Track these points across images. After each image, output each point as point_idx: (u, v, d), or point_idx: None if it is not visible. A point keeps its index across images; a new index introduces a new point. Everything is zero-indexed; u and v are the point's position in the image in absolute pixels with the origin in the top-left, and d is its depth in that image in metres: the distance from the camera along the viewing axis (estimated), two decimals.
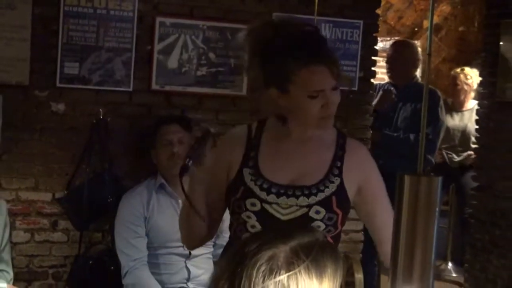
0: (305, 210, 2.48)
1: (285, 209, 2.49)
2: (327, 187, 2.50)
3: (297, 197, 2.49)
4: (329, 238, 2.38)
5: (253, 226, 2.54)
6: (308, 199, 2.48)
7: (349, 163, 2.56)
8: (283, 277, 1.36)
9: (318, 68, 2.42)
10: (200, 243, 2.84)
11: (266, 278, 1.35)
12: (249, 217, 2.53)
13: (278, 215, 2.50)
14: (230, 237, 2.78)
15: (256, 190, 2.51)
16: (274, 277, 1.36)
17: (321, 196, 2.48)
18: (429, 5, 1.54)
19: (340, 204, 2.50)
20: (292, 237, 1.42)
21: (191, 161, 2.45)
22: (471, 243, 5.59)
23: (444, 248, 7.39)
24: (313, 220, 2.47)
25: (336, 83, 2.47)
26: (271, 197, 2.50)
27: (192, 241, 2.79)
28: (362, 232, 5.19)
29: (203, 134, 2.51)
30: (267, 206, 2.50)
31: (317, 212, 2.47)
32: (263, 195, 2.51)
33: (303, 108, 2.45)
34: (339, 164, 2.54)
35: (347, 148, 2.59)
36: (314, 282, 1.38)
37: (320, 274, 1.40)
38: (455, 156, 7.11)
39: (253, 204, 2.51)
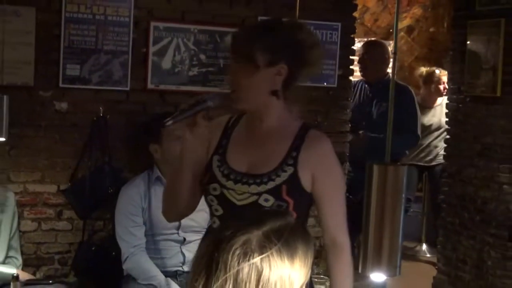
0: (255, 197, 2.43)
1: (239, 195, 2.46)
2: (279, 176, 2.44)
3: (249, 185, 2.45)
4: None
5: (216, 210, 2.54)
6: (258, 187, 2.43)
7: (306, 153, 2.46)
8: (256, 259, 1.36)
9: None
10: (180, 216, 2.82)
11: (240, 261, 1.35)
12: (212, 200, 2.53)
13: (234, 200, 2.47)
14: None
15: (218, 175, 2.50)
16: (248, 260, 1.35)
17: (271, 185, 2.42)
18: (395, 9, 1.56)
19: (291, 192, 2.43)
20: (264, 223, 1.42)
21: (171, 121, 2.41)
22: (443, 226, 5.60)
23: (419, 231, 7.44)
24: (262, 207, 2.42)
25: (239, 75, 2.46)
26: (230, 183, 2.47)
27: (173, 213, 2.74)
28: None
29: (196, 101, 2.45)
30: (225, 191, 2.48)
31: (266, 200, 2.42)
32: (223, 180, 2.48)
33: None
34: (294, 154, 2.46)
35: (306, 139, 2.49)
36: (286, 263, 1.38)
37: (291, 255, 1.39)
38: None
39: (214, 189, 2.50)
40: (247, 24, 2.47)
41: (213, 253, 1.39)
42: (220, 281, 1.35)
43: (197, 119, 2.43)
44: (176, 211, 2.69)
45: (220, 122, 2.63)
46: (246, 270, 1.35)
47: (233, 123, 2.61)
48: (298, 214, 2.40)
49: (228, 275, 1.35)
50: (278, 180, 2.43)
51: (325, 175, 2.46)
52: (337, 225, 2.45)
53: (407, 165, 1.32)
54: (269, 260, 1.37)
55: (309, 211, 2.59)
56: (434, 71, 7.09)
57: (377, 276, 1.36)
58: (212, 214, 2.58)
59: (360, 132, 5.33)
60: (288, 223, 1.44)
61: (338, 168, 2.58)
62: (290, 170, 2.43)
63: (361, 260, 1.43)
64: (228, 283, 1.35)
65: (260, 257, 1.36)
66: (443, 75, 6.94)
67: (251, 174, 2.47)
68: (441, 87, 6.94)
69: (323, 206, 2.47)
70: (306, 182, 2.44)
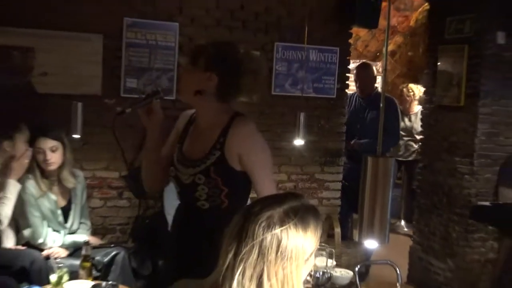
0: (192, 177, 2.40)
1: (184, 176, 2.42)
2: (208, 159, 2.38)
3: (187, 167, 2.41)
4: (222, 197, 2.37)
5: (176, 187, 2.52)
6: (194, 169, 2.39)
7: (231, 137, 2.38)
8: (277, 231, 1.38)
9: None
10: (158, 187, 2.77)
11: (265, 231, 1.37)
12: (172, 179, 2.51)
13: (182, 179, 2.43)
14: None
15: (174, 160, 2.47)
16: (271, 231, 1.38)
17: (202, 167, 2.38)
18: (385, 38, 1.53)
19: (218, 171, 2.37)
20: (284, 202, 1.44)
21: (129, 109, 2.39)
22: (417, 206, 5.59)
23: (398, 211, 7.41)
24: (198, 184, 2.39)
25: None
26: (179, 167, 2.44)
27: (149, 185, 2.67)
28: (340, 199, 5.19)
29: (151, 92, 2.45)
30: (177, 173, 2.45)
31: (200, 179, 2.37)
32: (175, 164, 2.46)
33: None
34: (222, 139, 2.39)
35: (232, 125, 2.41)
36: (300, 234, 1.40)
37: (304, 228, 1.41)
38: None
39: (171, 171, 2.48)
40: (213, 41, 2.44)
41: (243, 225, 1.41)
42: (248, 246, 1.37)
43: (153, 107, 2.41)
44: (151, 183, 2.64)
45: (186, 115, 2.60)
46: (269, 238, 1.38)
47: (194, 117, 2.55)
48: (230, 188, 2.38)
49: (254, 242, 1.37)
50: (208, 163, 2.37)
51: (249, 153, 2.36)
52: (267, 188, 2.34)
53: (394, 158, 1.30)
54: (287, 231, 1.39)
55: (248, 185, 2.46)
56: (403, 89, 7.13)
57: (371, 243, 1.35)
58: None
59: (352, 142, 5.28)
60: (303, 203, 1.45)
61: (261, 145, 2.44)
62: (217, 153, 2.37)
63: (358, 231, 1.41)
64: (254, 248, 1.37)
65: (280, 229, 1.38)
66: (410, 91, 6.99)
67: (189, 159, 2.43)
68: (408, 99, 6.99)
69: (253, 178, 2.37)
70: (233, 161, 2.36)
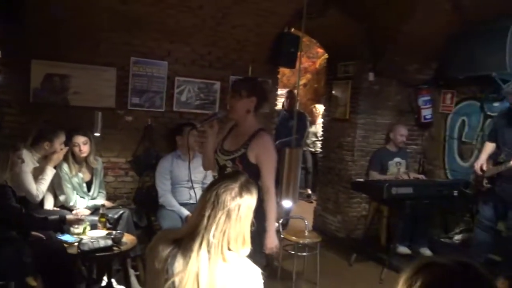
0: (224, 162, 2.41)
1: (221, 160, 2.43)
2: (237, 153, 2.38)
3: (224, 155, 2.42)
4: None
5: (216, 166, 2.51)
6: (227, 157, 2.40)
7: (253, 142, 2.37)
8: (238, 200, 1.34)
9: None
10: (211, 168, 2.63)
11: (231, 201, 1.32)
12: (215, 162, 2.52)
13: (220, 162, 2.44)
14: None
15: (217, 150, 2.48)
16: (235, 201, 1.33)
17: (231, 157, 2.38)
18: (297, 77, 1.62)
19: (241, 162, 2.37)
20: (238, 179, 1.38)
21: (199, 125, 2.46)
22: (319, 181, 5.66)
23: (307, 183, 7.49)
24: (227, 166, 2.40)
25: (233, 101, 2.42)
26: (219, 154, 2.45)
27: (206, 167, 2.61)
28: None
29: (212, 114, 2.47)
30: (218, 158, 2.46)
31: (228, 163, 2.38)
32: (218, 153, 2.46)
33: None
34: (248, 142, 2.38)
35: (256, 135, 2.40)
36: (250, 199, 1.36)
37: (251, 193, 1.38)
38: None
39: (216, 156, 2.49)
40: (239, 78, 2.49)
41: (216, 195, 1.33)
42: (219, 212, 1.31)
43: (213, 123, 2.45)
44: (208, 166, 2.60)
45: (227, 126, 2.60)
46: (233, 206, 1.32)
47: (232, 127, 2.56)
48: (248, 173, 2.39)
49: (224, 210, 1.31)
50: (236, 155, 2.39)
51: (261, 154, 2.37)
52: (268, 180, 2.34)
53: (303, 149, 1.33)
54: (244, 199, 1.35)
55: (258, 174, 2.38)
56: (312, 108, 7.14)
57: (287, 203, 1.38)
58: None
59: (276, 142, 5.33)
60: (246, 178, 1.41)
61: (271, 151, 2.41)
62: (243, 151, 2.38)
63: (279, 195, 1.47)
64: (224, 213, 1.31)
65: (241, 198, 1.34)
66: (317, 109, 7.00)
67: (226, 150, 2.45)
68: (316, 114, 7.00)
69: (261, 170, 2.37)
70: (251, 157, 2.36)
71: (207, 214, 1.30)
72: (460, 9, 4.38)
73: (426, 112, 5.13)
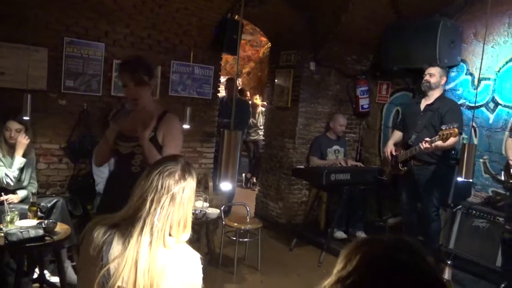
0: (134, 148, 2.30)
1: (123, 147, 2.34)
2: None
3: (128, 142, 2.32)
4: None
5: (114, 156, 2.43)
6: (134, 143, 2.30)
7: (161, 125, 2.31)
8: (182, 184, 1.31)
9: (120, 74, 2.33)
10: (103, 163, 2.55)
11: (174, 185, 1.30)
12: (114, 152, 2.41)
13: (121, 150, 2.34)
14: None
15: (115, 140, 2.36)
16: (178, 184, 1.31)
17: (138, 141, 2.28)
18: (236, 65, 1.60)
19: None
20: (179, 162, 1.34)
21: (114, 118, 2.39)
22: (262, 168, 5.70)
23: (248, 169, 7.55)
24: (135, 153, 2.30)
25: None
26: (118, 143, 2.35)
27: (99, 162, 2.52)
28: (213, 164, 5.20)
29: (121, 106, 2.39)
30: (118, 147, 2.35)
31: (137, 149, 2.27)
32: (117, 141, 2.35)
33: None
34: (157, 126, 2.31)
35: (164, 117, 2.35)
36: (192, 182, 1.34)
37: (192, 176, 1.35)
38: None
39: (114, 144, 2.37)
40: (126, 61, 2.38)
41: (158, 179, 1.29)
42: (164, 196, 1.28)
43: (118, 118, 2.37)
44: (101, 161, 2.50)
45: (124, 111, 2.46)
46: (177, 189, 1.30)
47: (128, 113, 2.41)
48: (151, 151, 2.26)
49: (168, 193, 1.29)
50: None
51: (167, 133, 2.30)
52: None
53: (241, 131, 1.33)
54: (187, 183, 1.33)
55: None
56: (253, 99, 7.28)
57: (225, 185, 1.38)
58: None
59: (221, 129, 5.34)
60: (186, 162, 1.37)
61: (177, 131, 2.36)
62: (152, 134, 2.29)
63: (217, 178, 1.47)
64: (168, 197, 1.28)
65: (184, 182, 1.32)
66: (257, 99, 7.16)
67: (130, 137, 2.33)
68: (258, 103, 7.15)
69: (164, 148, 2.27)
70: (160, 139, 2.30)
71: (149, 198, 1.26)
72: (396, 2, 4.59)
73: (364, 102, 5.36)
